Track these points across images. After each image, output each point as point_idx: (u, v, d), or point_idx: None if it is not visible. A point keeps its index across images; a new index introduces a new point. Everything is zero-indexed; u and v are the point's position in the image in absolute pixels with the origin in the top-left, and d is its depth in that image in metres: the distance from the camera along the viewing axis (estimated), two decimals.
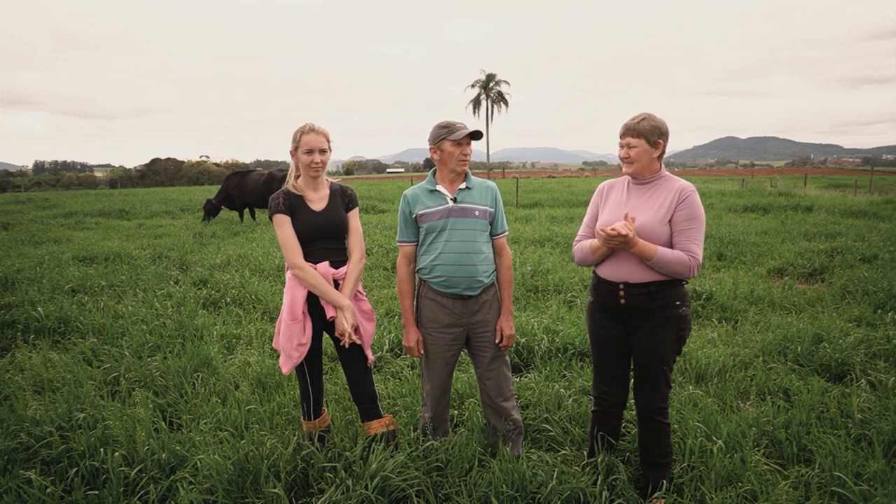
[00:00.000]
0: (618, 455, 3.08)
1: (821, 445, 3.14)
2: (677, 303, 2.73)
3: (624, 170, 2.80)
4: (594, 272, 2.92)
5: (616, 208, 2.82)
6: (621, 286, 2.75)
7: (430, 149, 3.03)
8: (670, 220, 2.69)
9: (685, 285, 2.79)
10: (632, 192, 2.84)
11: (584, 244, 2.89)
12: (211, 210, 15.65)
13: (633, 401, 2.96)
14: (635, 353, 2.82)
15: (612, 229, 2.59)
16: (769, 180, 31.58)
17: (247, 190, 15.66)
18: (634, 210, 2.74)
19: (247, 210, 16.35)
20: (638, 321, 2.77)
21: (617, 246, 2.66)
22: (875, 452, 3.03)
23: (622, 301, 2.76)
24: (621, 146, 2.77)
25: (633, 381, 2.92)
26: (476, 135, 2.97)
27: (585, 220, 2.98)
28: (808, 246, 9.22)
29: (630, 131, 2.72)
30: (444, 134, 2.95)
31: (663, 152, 2.78)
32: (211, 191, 26.63)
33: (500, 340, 3.08)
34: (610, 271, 2.79)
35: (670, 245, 2.69)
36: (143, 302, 6.48)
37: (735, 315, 5.94)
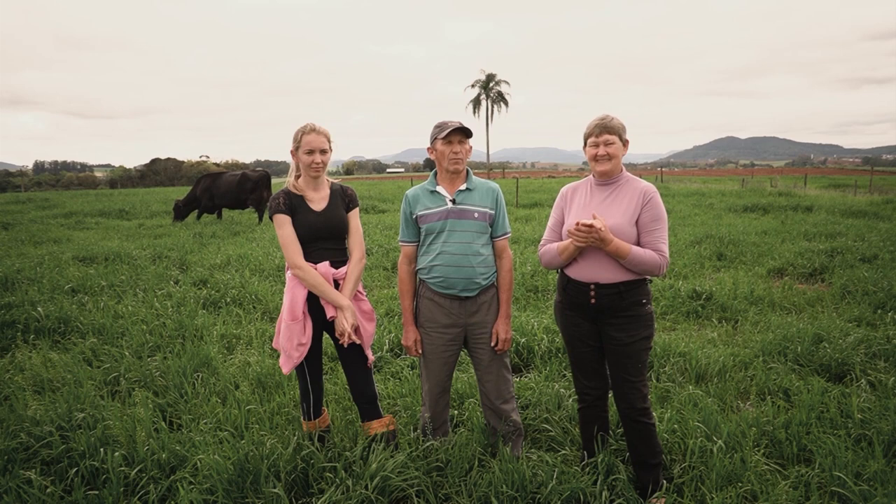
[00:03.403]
0: (618, 455, 3.08)
1: (821, 445, 3.14)
2: (643, 301, 2.78)
3: (599, 168, 2.80)
4: (562, 272, 2.93)
5: (582, 211, 2.85)
6: (592, 287, 2.78)
7: (428, 149, 3.05)
8: (637, 222, 2.74)
9: (649, 284, 2.85)
10: (595, 195, 2.87)
11: (550, 247, 2.91)
12: (178, 214, 15.46)
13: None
14: (608, 353, 2.86)
15: (584, 223, 2.61)
16: (769, 180, 31.58)
17: (219, 192, 15.39)
18: (601, 212, 2.77)
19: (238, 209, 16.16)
20: (606, 319, 2.80)
21: (591, 243, 2.66)
22: (875, 452, 3.03)
23: (592, 301, 2.79)
24: (595, 145, 2.78)
25: (611, 384, 2.95)
26: (465, 132, 2.93)
27: (550, 224, 3.00)
28: (808, 246, 9.22)
29: (606, 129, 2.76)
30: (435, 133, 2.97)
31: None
32: None
33: (496, 344, 3.07)
34: (580, 272, 2.81)
35: (637, 245, 2.74)
36: (143, 302, 6.48)
37: (735, 315, 5.94)
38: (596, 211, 2.79)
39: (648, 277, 2.80)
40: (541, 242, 3.01)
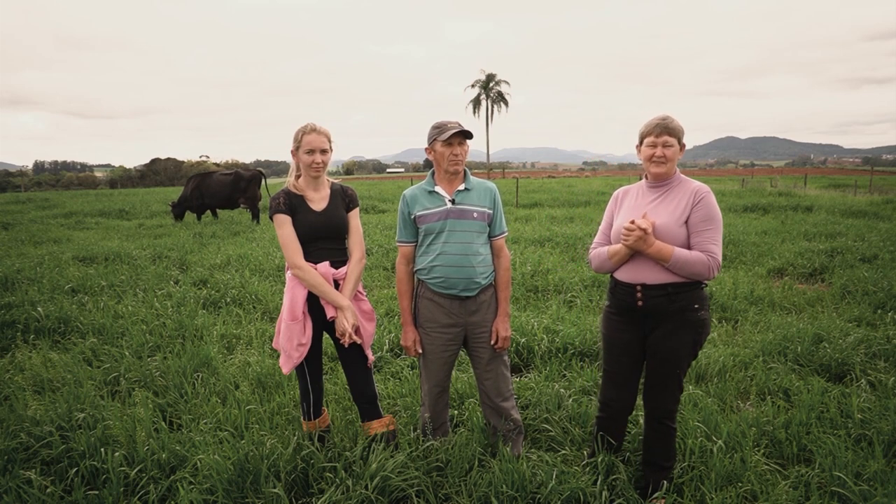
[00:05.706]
0: (618, 455, 3.08)
1: (821, 445, 3.15)
2: (696, 306, 2.67)
3: (654, 170, 2.71)
4: (611, 276, 2.87)
5: (631, 213, 2.78)
6: (639, 287, 2.70)
7: (426, 149, 3.03)
8: (686, 222, 2.65)
9: (704, 288, 2.73)
10: (646, 196, 2.79)
11: (601, 250, 2.85)
12: (175, 214, 15.47)
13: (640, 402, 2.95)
14: (649, 355, 2.78)
15: (632, 222, 2.58)
16: (769, 180, 31.60)
17: (209, 192, 15.31)
18: (650, 213, 2.71)
19: (238, 209, 16.02)
20: (655, 323, 2.72)
21: (635, 244, 2.61)
22: (875, 452, 3.03)
23: (640, 303, 2.71)
24: (654, 145, 2.68)
25: (643, 383, 2.88)
26: (466, 134, 2.93)
27: (601, 227, 2.94)
28: (808, 246, 9.22)
29: (668, 130, 2.65)
30: (434, 135, 2.95)
31: None
32: None
33: (496, 342, 3.07)
34: (627, 273, 2.74)
35: (687, 247, 2.65)
36: (143, 302, 6.48)
37: (735, 315, 5.93)
38: (645, 212, 2.72)
39: (704, 282, 2.70)
40: (591, 245, 2.95)
